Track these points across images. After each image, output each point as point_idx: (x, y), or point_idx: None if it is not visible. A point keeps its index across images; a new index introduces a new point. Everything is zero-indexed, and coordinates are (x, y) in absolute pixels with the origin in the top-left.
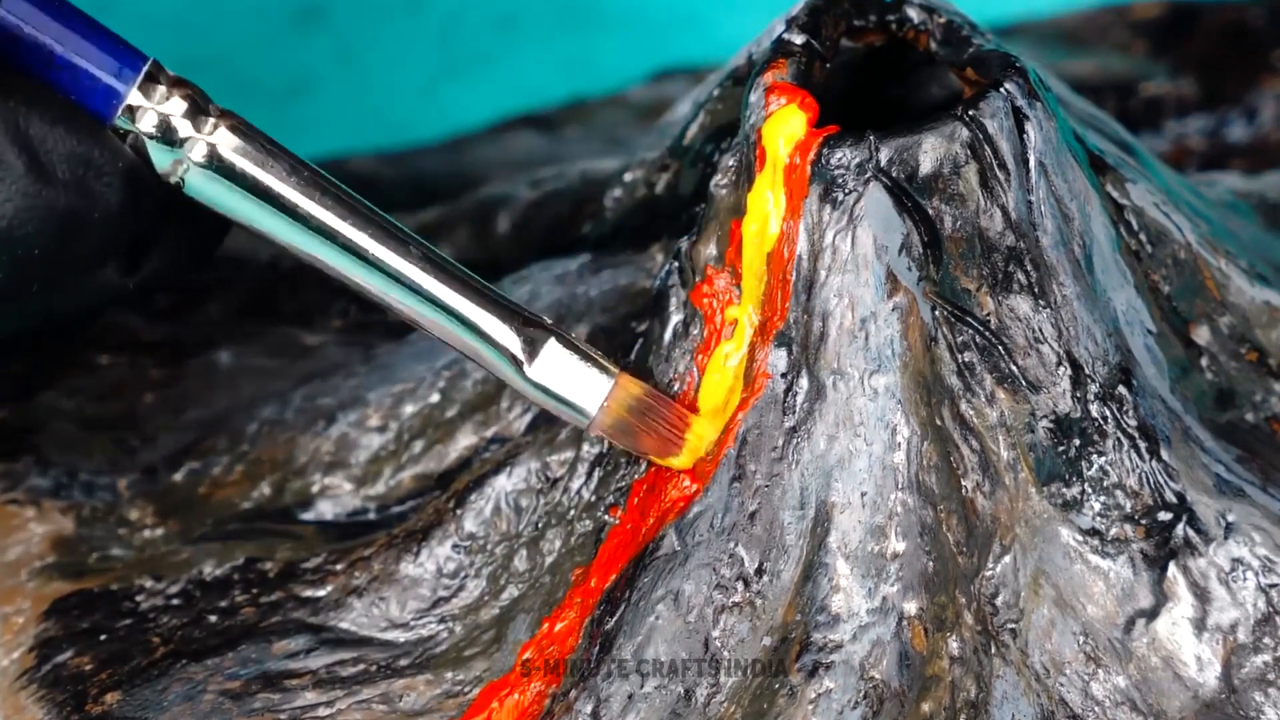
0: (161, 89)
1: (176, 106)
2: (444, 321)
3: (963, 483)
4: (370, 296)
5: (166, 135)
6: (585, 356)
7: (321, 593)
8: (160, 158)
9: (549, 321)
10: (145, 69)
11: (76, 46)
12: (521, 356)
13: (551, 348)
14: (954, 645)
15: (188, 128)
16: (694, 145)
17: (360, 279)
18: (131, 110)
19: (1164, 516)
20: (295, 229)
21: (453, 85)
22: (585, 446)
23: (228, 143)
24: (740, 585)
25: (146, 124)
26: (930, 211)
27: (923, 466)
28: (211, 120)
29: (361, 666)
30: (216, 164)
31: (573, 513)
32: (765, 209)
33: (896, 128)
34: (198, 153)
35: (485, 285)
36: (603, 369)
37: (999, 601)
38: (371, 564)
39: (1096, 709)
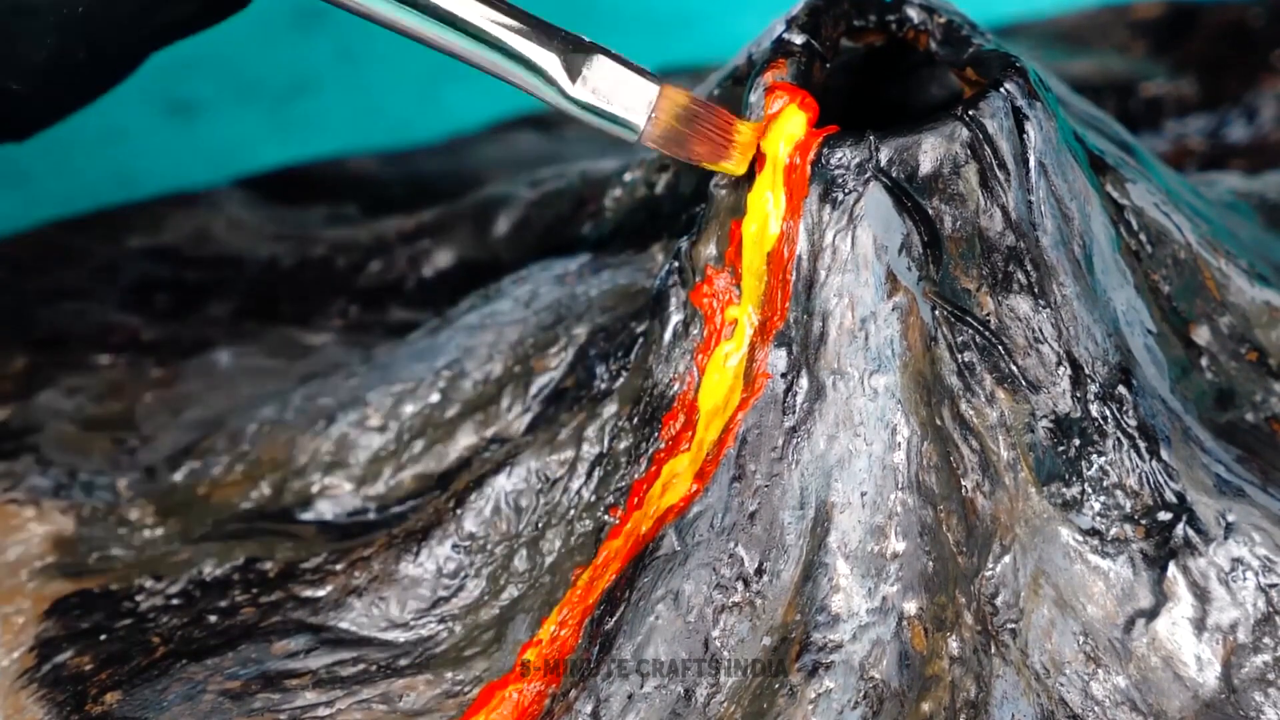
0: None
1: None
2: (483, 51)
3: (963, 483)
4: (407, 33)
5: None
6: (629, 69)
7: (321, 593)
8: None
9: (588, 40)
10: None
11: None
12: (564, 77)
13: (594, 65)
14: (954, 645)
15: None
16: None
17: (396, 17)
18: None
19: (1164, 516)
20: None
21: (453, 85)
22: (585, 446)
23: None
24: (740, 585)
25: None
26: (930, 211)
27: (923, 466)
28: None
29: (361, 666)
30: None
31: (573, 513)
32: (765, 209)
33: (896, 128)
34: None
35: (519, 9)
36: (647, 80)
37: (999, 601)
38: (371, 564)
39: (1096, 709)
